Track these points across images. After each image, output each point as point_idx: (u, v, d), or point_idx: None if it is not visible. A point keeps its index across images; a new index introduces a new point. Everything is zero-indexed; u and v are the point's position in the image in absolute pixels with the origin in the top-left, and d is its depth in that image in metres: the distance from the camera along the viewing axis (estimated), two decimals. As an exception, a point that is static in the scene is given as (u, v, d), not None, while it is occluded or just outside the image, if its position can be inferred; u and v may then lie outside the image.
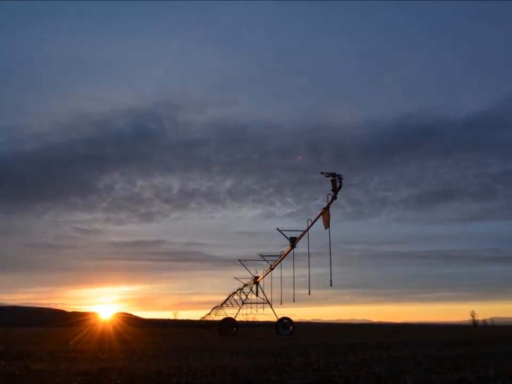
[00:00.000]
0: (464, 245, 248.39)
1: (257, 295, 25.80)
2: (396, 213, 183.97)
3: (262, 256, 23.69)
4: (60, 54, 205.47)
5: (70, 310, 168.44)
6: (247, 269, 26.99)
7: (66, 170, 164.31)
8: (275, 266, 23.28)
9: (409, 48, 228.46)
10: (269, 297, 25.31)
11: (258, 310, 28.74)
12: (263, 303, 25.59)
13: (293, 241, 19.88)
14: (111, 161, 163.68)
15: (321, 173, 14.41)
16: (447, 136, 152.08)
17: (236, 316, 25.27)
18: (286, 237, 19.91)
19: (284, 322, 22.84)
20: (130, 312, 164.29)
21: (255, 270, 26.89)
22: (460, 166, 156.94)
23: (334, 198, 14.93)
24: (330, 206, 15.27)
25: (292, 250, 20.27)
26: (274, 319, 23.76)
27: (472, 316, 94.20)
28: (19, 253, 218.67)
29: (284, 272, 22.52)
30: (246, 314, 37.16)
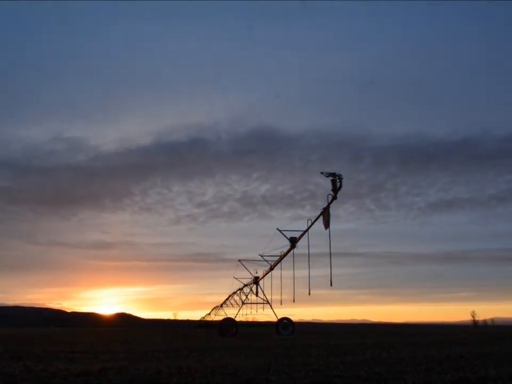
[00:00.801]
0: (481, 245, 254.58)
1: (257, 295, 25.79)
2: (422, 217, 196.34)
3: (262, 256, 23.69)
4: (130, 70, 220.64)
5: (69, 311, 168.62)
6: (247, 269, 27.02)
7: (109, 176, 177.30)
8: (275, 266, 23.28)
9: (456, 66, 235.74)
10: (269, 297, 25.32)
11: (258, 310, 28.76)
12: (263, 303, 25.59)
13: (293, 241, 19.87)
14: (156, 168, 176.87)
15: (321, 173, 14.41)
16: (485, 146, 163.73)
17: (235, 316, 25.27)
18: (286, 237, 19.90)
19: (284, 322, 22.83)
20: (131, 313, 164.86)
21: (255, 270, 26.90)
22: (493, 172, 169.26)
23: (334, 198, 14.93)
24: (331, 205, 15.27)
25: (292, 250, 20.26)
26: (274, 319, 23.76)
27: (472, 316, 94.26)
28: (44, 253, 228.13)
29: (284, 272, 22.55)
30: (246, 315, 37.20)
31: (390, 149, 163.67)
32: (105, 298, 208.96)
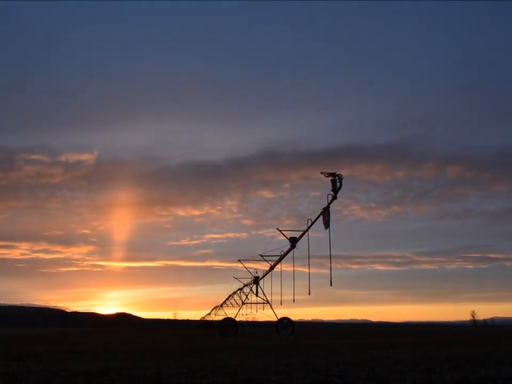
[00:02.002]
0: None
1: (257, 295, 25.79)
2: (456, 221, 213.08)
3: (262, 256, 23.68)
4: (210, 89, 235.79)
5: (69, 311, 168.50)
6: (247, 269, 27.02)
7: (168, 186, 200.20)
8: (275, 266, 23.29)
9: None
10: (269, 297, 25.30)
11: (258, 310, 28.77)
12: (263, 303, 25.59)
13: (293, 241, 19.87)
14: (216, 178, 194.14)
15: (321, 173, 14.44)
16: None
17: (235, 316, 25.28)
18: (286, 237, 19.90)
19: (284, 322, 22.81)
20: (131, 312, 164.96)
21: (255, 270, 26.92)
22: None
23: (334, 198, 14.96)
24: (330, 205, 15.28)
25: (292, 250, 20.26)
26: (274, 318, 23.76)
27: (473, 316, 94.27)
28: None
29: (285, 272, 22.58)
30: (246, 315, 37.22)
31: (448, 159, 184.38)
32: (107, 299, 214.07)
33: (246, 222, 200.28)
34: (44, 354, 8.99)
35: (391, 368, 5.93)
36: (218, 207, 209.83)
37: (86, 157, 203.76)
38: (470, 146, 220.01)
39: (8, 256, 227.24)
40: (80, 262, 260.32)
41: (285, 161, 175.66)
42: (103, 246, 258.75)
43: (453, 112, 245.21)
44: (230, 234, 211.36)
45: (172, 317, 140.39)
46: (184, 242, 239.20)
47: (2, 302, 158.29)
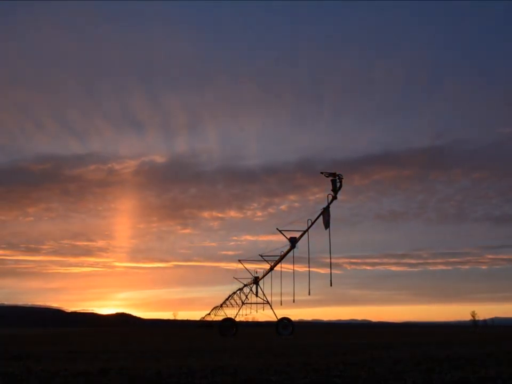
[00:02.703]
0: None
1: (257, 296, 25.79)
2: (475, 224, 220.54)
3: (262, 256, 23.68)
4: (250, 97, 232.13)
5: (68, 311, 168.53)
6: (247, 269, 27.03)
7: (201, 190, 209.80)
8: (274, 266, 23.29)
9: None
10: (268, 297, 25.31)
11: (258, 310, 28.78)
12: (263, 303, 25.59)
13: (293, 242, 19.86)
14: (247, 184, 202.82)
15: (321, 173, 14.44)
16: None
17: (235, 316, 25.28)
18: (286, 237, 19.89)
19: (284, 322, 22.82)
20: (131, 313, 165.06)
21: (255, 270, 26.93)
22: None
23: (334, 198, 14.95)
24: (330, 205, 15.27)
25: (292, 250, 20.25)
26: (274, 318, 23.76)
27: (473, 316, 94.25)
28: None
29: (284, 272, 22.59)
30: (246, 315, 37.24)
31: (475, 165, 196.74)
32: (111, 299, 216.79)
33: (267, 225, 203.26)
34: (44, 354, 8.99)
35: (391, 368, 5.93)
36: (244, 211, 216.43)
37: (128, 164, 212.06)
38: (496, 153, 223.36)
39: (25, 258, 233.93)
40: (95, 264, 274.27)
41: (319, 168, 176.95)
42: (117, 248, 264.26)
43: (481, 121, 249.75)
44: (249, 237, 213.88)
45: (172, 317, 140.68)
46: (204, 244, 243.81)
47: (2, 302, 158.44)
